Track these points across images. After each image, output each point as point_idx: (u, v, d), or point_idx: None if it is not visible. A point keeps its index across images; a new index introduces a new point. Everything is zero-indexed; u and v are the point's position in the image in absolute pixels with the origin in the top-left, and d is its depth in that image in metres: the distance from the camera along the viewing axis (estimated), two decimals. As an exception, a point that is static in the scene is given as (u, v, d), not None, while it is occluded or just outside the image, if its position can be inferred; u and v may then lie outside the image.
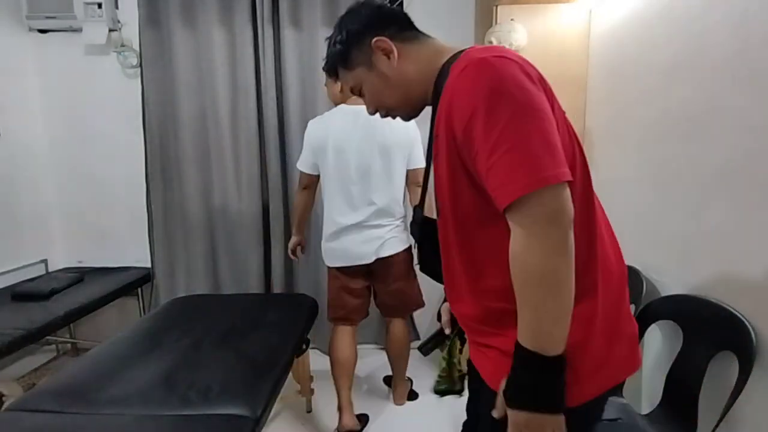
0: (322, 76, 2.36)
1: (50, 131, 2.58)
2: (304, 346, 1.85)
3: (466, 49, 0.76)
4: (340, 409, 1.87)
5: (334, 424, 1.88)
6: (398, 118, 0.89)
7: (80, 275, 2.39)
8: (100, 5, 2.35)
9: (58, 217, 2.66)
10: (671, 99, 1.43)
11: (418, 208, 0.98)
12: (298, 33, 2.36)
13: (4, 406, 1.99)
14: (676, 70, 1.40)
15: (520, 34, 1.86)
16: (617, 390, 0.72)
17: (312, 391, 2.05)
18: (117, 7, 2.45)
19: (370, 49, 0.81)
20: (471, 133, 0.65)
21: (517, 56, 0.68)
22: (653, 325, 1.42)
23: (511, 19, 1.91)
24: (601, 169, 1.95)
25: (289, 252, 2.06)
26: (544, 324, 0.63)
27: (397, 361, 2.06)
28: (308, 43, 2.37)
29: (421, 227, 0.95)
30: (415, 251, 1.09)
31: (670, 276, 1.44)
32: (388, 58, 0.81)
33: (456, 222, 0.76)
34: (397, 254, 1.85)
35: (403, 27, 0.84)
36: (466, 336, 0.86)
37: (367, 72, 0.83)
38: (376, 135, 1.75)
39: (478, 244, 0.74)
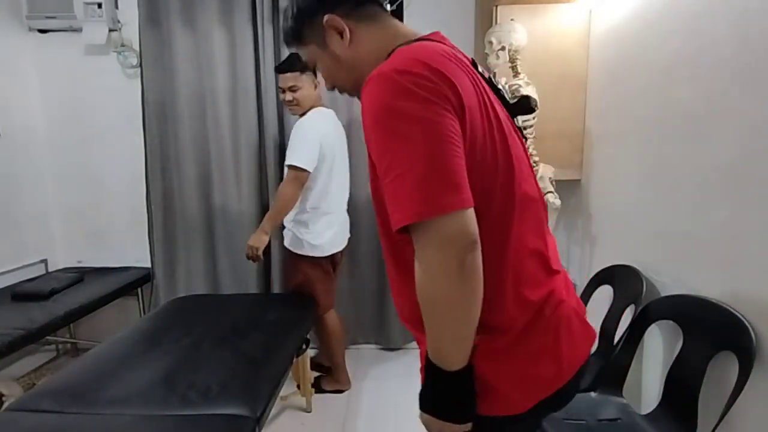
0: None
1: (50, 131, 2.58)
2: (304, 346, 1.85)
3: (414, 40, 0.73)
4: (343, 370, 2.20)
5: (334, 423, 1.88)
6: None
7: (80, 275, 2.39)
8: (100, 5, 2.35)
9: (58, 217, 2.66)
10: (671, 98, 1.43)
11: None
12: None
13: (4, 406, 1.99)
14: (676, 69, 1.40)
15: (520, 34, 1.86)
16: (551, 404, 0.74)
17: (312, 391, 2.05)
18: (117, 7, 2.45)
19: (322, 27, 0.76)
20: (371, 147, 0.65)
21: (428, 65, 0.63)
22: (653, 325, 1.42)
23: (511, 19, 1.91)
24: (600, 169, 1.95)
25: (258, 253, 1.95)
26: (442, 343, 0.64)
27: (342, 346, 2.24)
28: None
29: None
30: None
31: (670, 276, 1.44)
32: (341, 37, 0.76)
33: (380, 218, 0.75)
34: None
35: (359, 3, 0.77)
36: None
37: (319, 50, 0.79)
38: (343, 133, 2.15)
39: (399, 247, 0.73)
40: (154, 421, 1.11)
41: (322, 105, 2.05)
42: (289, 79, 1.94)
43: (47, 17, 2.40)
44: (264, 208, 2.50)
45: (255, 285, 2.53)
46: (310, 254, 2.03)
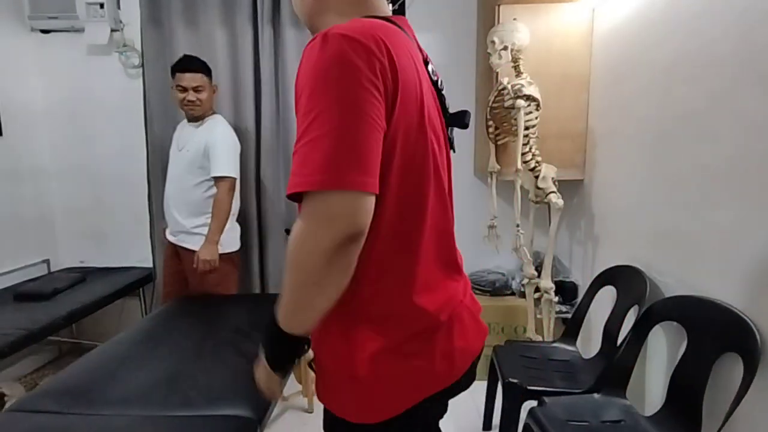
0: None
1: (52, 131, 2.58)
2: (306, 347, 1.84)
3: (381, 17, 0.71)
4: None
5: None
6: None
7: (82, 275, 2.39)
8: (102, 5, 2.35)
9: (60, 217, 2.66)
10: (673, 97, 1.42)
11: None
12: (299, 33, 2.35)
13: (6, 406, 1.99)
14: (679, 68, 1.39)
15: (522, 34, 1.85)
16: (433, 403, 0.74)
17: (314, 392, 2.04)
18: (119, 7, 2.45)
19: None
20: (297, 106, 0.63)
21: (378, 41, 0.61)
22: (657, 326, 1.41)
23: (514, 19, 1.91)
24: (603, 169, 1.94)
25: (216, 265, 1.97)
26: (288, 307, 0.65)
27: None
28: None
29: None
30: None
31: (674, 276, 1.43)
32: None
33: None
34: None
35: None
36: None
37: None
38: None
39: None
40: (156, 421, 1.11)
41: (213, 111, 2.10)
42: (196, 78, 1.95)
43: (49, 17, 2.40)
44: (260, 208, 2.49)
45: (253, 285, 2.52)
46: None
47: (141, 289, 2.58)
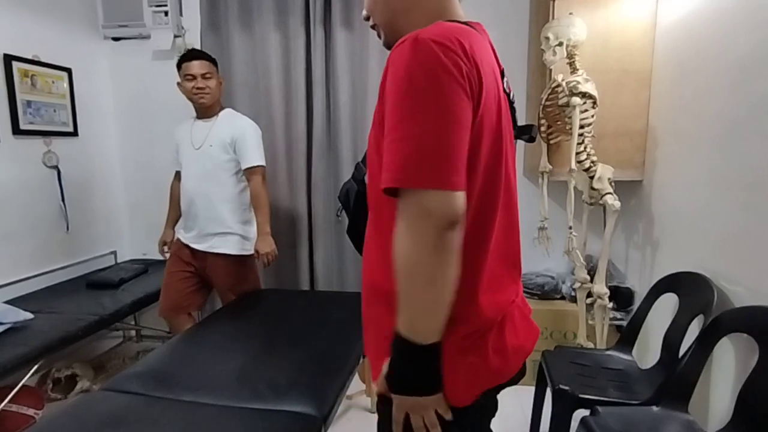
0: (373, 75, 2.39)
1: (120, 132, 2.77)
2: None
3: (462, 22, 0.74)
4: None
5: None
6: None
7: (145, 266, 2.55)
8: (166, 13, 2.50)
9: (125, 212, 2.86)
10: (750, 94, 1.32)
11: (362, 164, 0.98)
12: (349, 33, 2.39)
13: (78, 385, 2.17)
14: (756, 61, 1.29)
15: (579, 29, 1.78)
16: (487, 400, 0.77)
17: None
18: (181, 14, 2.59)
19: None
20: (386, 104, 0.65)
21: (463, 44, 0.64)
22: (724, 338, 1.32)
23: (570, 13, 1.84)
24: (665, 170, 1.83)
25: (276, 254, 2.02)
26: (414, 314, 0.64)
27: None
28: (359, 43, 2.39)
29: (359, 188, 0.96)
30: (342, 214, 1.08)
31: (745, 285, 1.33)
32: None
33: (371, 167, 0.75)
34: None
35: None
36: None
37: None
38: None
39: (381, 203, 0.73)
40: (228, 412, 1.16)
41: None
42: (204, 65, 1.93)
43: (120, 26, 2.58)
44: (310, 206, 2.55)
45: (302, 282, 2.59)
46: (253, 251, 2.02)
47: (197, 281, 2.72)
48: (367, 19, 0.84)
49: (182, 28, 2.59)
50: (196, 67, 1.91)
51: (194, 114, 2.03)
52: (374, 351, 0.79)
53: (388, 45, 0.80)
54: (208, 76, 1.93)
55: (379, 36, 0.84)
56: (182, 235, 2.07)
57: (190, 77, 1.92)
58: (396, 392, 0.68)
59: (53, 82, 2.34)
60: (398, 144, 0.61)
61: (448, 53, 0.62)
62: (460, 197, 0.61)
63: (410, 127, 0.61)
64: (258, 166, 1.96)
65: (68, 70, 2.43)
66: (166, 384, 1.28)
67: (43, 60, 2.27)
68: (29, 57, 2.20)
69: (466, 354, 0.72)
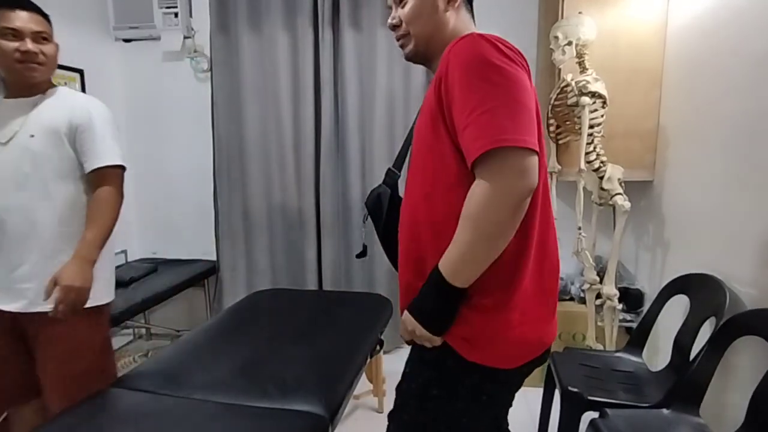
0: (381, 76, 2.39)
1: (131, 132, 2.80)
2: (378, 347, 1.83)
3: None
4: None
5: None
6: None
7: (155, 266, 2.58)
8: (176, 15, 2.52)
9: (136, 211, 2.89)
10: (765, 93, 1.30)
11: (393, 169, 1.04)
12: (357, 34, 2.40)
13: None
14: (771, 60, 1.27)
15: (588, 28, 1.77)
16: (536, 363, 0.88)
17: (384, 393, 2.05)
18: (191, 16, 2.61)
19: None
20: (456, 91, 0.72)
21: (509, 44, 0.76)
22: (737, 341, 1.30)
23: (579, 12, 1.83)
24: (676, 170, 1.81)
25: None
26: (467, 261, 0.72)
27: None
28: (367, 43, 2.40)
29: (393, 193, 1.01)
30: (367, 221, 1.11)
31: (758, 287, 1.31)
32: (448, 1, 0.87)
33: (425, 178, 0.81)
34: None
35: None
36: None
37: None
38: None
39: (441, 202, 0.80)
40: (235, 410, 1.16)
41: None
42: (38, 21, 1.24)
43: (131, 27, 2.61)
44: (318, 206, 2.56)
45: (310, 281, 2.59)
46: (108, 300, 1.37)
47: (206, 281, 2.74)
48: (396, 27, 0.89)
49: (192, 29, 2.61)
50: (24, 19, 1.21)
51: None
52: None
53: (415, 55, 0.89)
54: (44, 36, 1.25)
55: (404, 46, 0.90)
56: None
57: (11, 33, 1.20)
58: (411, 311, 0.80)
59: (66, 83, 2.37)
60: (488, 114, 0.68)
61: (504, 46, 0.73)
62: (536, 161, 0.69)
63: (491, 99, 0.68)
64: (116, 167, 1.31)
65: (80, 72, 2.46)
66: (176, 382, 1.29)
67: (55, 61, 2.30)
68: (42, 58, 2.23)
69: (525, 318, 0.80)
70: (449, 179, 0.77)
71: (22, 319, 1.25)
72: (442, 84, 0.75)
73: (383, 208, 1.00)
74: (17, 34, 1.20)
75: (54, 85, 1.34)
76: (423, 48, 0.88)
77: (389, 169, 1.04)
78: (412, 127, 0.94)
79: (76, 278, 1.19)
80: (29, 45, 1.21)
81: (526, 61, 0.77)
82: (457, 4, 0.87)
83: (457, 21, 0.87)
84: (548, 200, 0.85)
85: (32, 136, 1.24)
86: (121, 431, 1.08)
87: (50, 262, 1.23)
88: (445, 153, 0.77)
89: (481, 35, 0.73)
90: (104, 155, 1.29)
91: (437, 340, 0.79)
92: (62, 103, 1.30)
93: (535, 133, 0.70)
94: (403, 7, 0.88)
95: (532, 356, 0.84)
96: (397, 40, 0.91)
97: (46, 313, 1.19)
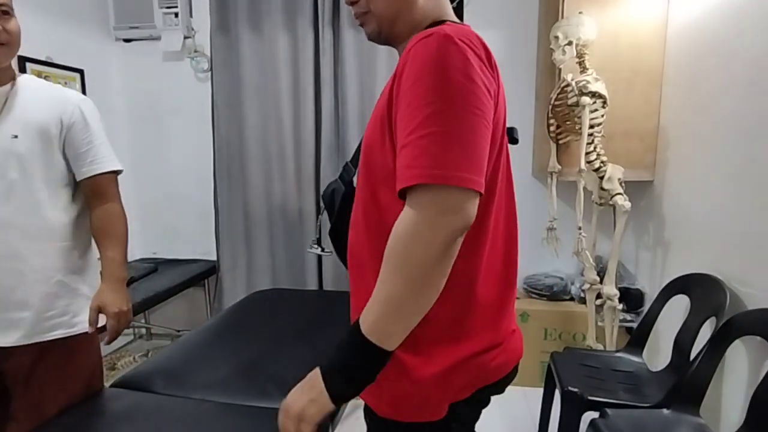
0: (381, 75, 2.39)
1: (131, 132, 2.80)
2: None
3: (447, 20, 0.73)
4: None
5: None
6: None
7: (155, 266, 2.58)
8: (176, 14, 2.52)
9: (136, 211, 2.89)
10: (766, 93, 1.30)
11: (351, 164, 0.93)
12: (357, 33, 2.39)
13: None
14: (771, 60, 1.27)
15: (588, 28, 1.77)
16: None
17: None
18: (191, 16, 2.61)
19: None
20: (404, 100, 0.62)
21: (483, 45, 0.65)
22: (737, 341, 1.30)
23: (580, 12, 1.83)
24: (676, 170, 1.81)
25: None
26: (395, 316, 0.59)
27: None
28: (367, 43, 2.37)
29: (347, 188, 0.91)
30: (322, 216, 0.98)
31: (758, 287, 1.31)
32: None
33: (370, 182, 0.71)
34: None
35: None
36: None
37: None
38: None
39: (380, 204, 0.70)
40: (236, 410, 1.16)
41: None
42: None
43: (131, 27, 2.61)
44: (319, 206, 2.56)
45: (310, 281, 2.59)
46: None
47: (206, 281, 2.74)
48: (354, 3, 0.77)
49: (192, 29, 2.61)
50: None
51: None
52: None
53: (378, 36, 0.77)
54: (4, 10, 1.03)
55: (364, 25, 0.78)
56: None
57: None
58: (325, 379, 0.62)
59: (66, 83, 2.37)
60: (427, 139, 0.58)
61: (474, 54, 0.61)
62: (477, 200, 0.60)
63: (435, 122, 0.58)
64: (118, 171, 1.24)
65: (80, 72, 2.46)
66: (176, 382, 1.29)
67: (56, 61, 2.30)
68: (42, 58, 2.23)
69: (450, 373, 0.70)
70: (391, 191, 0.65)
71: (12, 352, 1.07)
72: (395, 86, 0.65)
73: (335, 205, 0.93)
74: None
75: (14, 72, 1.11)
76: (387, 29, 0.76)
77: (346, 164, 0.96)
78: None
79: (122, 302, 1.14)
80: None
81: (495, 68, 0.66)
82: None
83: (429, 2, 0.74)
84: (512, 216, 0.78)
85: (15, 136, 1.05)
86: (121, 430, 1.08)
87: (45, 285, 1.09)
88: (387, 162, 0.67)
89: (448, 38, 0.61)
90: (105, 159, 1.19)
91: (313, 414, 0.63)
92: (42, 96, 1.11)
93: (482, 168, 0.60)
94: None
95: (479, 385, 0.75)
96: (356, 17, 0.78)
97: (43, 342, 1.09)
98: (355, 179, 0.85)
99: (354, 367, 0.61)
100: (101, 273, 1.20)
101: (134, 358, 2.57)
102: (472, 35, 0.64)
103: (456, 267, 0.61)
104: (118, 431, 1.08)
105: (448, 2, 0.78)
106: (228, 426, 1.10)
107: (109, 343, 1.13)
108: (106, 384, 1.31)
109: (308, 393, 0.64)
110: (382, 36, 0.77)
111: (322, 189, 2.51)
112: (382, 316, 0.59)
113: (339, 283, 2.60)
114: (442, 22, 0.70)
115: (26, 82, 1.12)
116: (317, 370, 0.64)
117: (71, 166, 1.15)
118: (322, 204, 0.97)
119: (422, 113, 0.59)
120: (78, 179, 1.16)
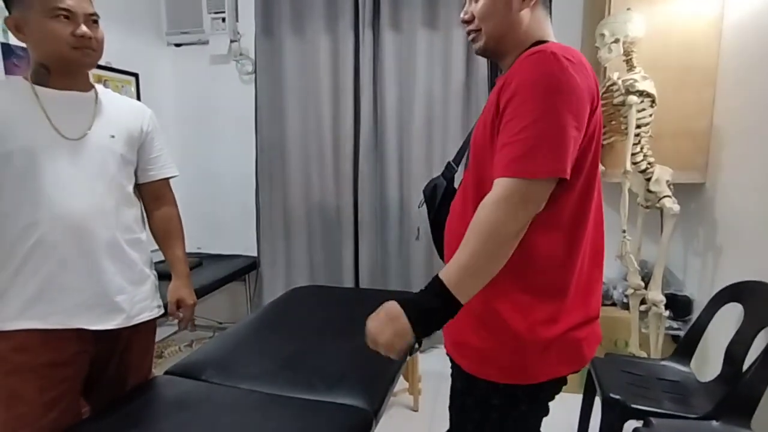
0: (420, 77, 2.40)
1: (180, 133, 2.94)
2: (416, 345, 1.84)
3: (548, 41, 0.84)
4: None
5: (440, 424, 1.89)
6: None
7: (200, 260, 2.69)
8: (224, 19, 2.63)
9: (183, 207, 3.00)
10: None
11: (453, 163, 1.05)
12: (397, 35, 2.42)
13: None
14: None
15: (636, 25, 1.71)
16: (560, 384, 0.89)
17: (420, 391, 2.07)
18: (237, 20, 2.71)
19: None
20: (511, 107, 0.74)
21: (583, 61, 0.77)
22: (796, 353, 1.23)
23: (628, 9, 1.77)
24: (731, 172, 1.73)
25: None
26: (468, 270, 0.73)
27: None
28: (407, 44, 2.41)
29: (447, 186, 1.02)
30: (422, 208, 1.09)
31: (822, 297, 1.23)
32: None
33: (479, 175, 0.84)
34: None
35: None
36: None
37: None
38: None
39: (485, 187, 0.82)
40: (282, 401, 1.20)
41: None
42: (90, 2, 1.10)
43: (182, 32, 2.74)
44: (356, 204, 2.59)
45: (347, 279, 2.64)
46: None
47: (247, 276, 2.84)
48: (468, 23, 0.88)
49: (238, 33, 2.71)
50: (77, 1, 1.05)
51: (32, 78, 1.09)
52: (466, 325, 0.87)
53: (485, 52, 0.89)
54: (94, 19, 1.10)
55: (474, 41, 0.89)
56: (61, 312, 1.07)
57: (64, 14, 1.03)
58: (410, 316, 0.76)
59: (122, 86, 2.52)
60: (528, 141, 0.71)
61: (577, 69, 0.74)
62: (552, 187, 0.74)
63: (538, 128, 0.71)
64: (175, 176, 1.40)
65: (135, 75, 2.61)
66: (225, 372, 1.34)
67: (114, 66, 2.45)
68: (103, 63, 2.38)
69: (549, 335, 0.81)
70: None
71: (111, 334, 1.15)
72: (503, 96, 0.76)
73: (436, 199, 1.02)
74: (71, 16, 1.04)
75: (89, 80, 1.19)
76: (493, 46, 0.87)
77: (448, 163, 1.05)
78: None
79: (193, 295, 1.38)
80: (84, 28, 1.05)
81: (595, 81, 0.78)
82: (532, 3, 0.83)
83: (532, 20, 0.84)
84: (600, 207, 0.90)
85: (113, 136, 1.16)
86: (174, 416, 1.14)
87: (133, 271, 1.20)
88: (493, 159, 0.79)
89: (554, 54, 0.73)
90: (170, 165, 1.36)
91: (401, 346, 0.78)
92: (123, 105, 1.25)
93: (565, 158, 0.72)
94: (476, 2, 0.86)
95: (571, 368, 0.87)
96: (468, 34, 0.90)
97: (138, 324, 1.21)
98: (456, 176, 1.01)
99: (435, 310, 0.75)
100: (171, 270, 1.40)
101: (179, 348, 2.69)
102: (575, 53, 0.76)
103: (565, 250, 0.80)
104: (173, 416, 1.14)
105: (549, 24, 0.87)
106: (276, 416, 1.14)
107: (182, 330, 1.38)
108: (156, 371, 1.39)
109: (392, 326, 0.78)
110: (489, 52, 0.89)
111: (360, 188, 2.56)
112: (463, 275, 0.74)
113: (374, 281, 2.63)
114: (544, 41, 0.82)
115: (102, 90, 1.22)
116: (396, 308, 0.78)
117: (138, 168, 1.28)
118: (421, 197, 1.09)
119: (525, 119, 0.72)
120: (140, 181, 1.30)
